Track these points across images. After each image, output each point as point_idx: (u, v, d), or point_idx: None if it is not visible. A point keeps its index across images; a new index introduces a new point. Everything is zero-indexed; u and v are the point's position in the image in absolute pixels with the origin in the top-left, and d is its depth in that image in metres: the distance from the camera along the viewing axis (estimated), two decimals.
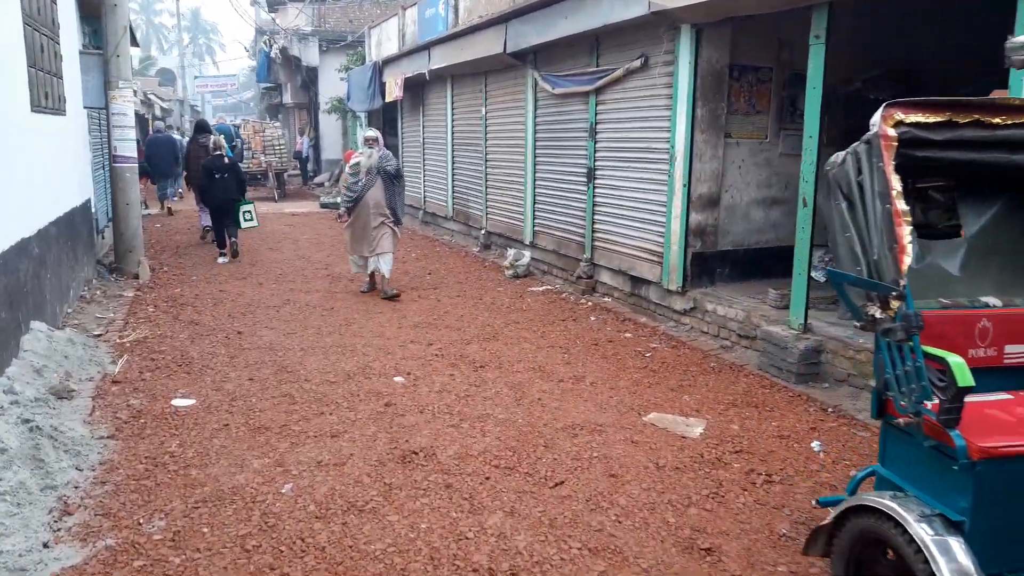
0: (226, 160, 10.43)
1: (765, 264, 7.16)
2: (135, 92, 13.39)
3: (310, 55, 21.89)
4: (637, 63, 7.38)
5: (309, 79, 22.73)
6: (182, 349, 6.19)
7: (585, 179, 8.50)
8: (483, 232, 11.57)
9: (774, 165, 7.22)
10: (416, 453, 4.22)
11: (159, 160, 15.53)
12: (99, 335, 6.44)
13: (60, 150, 7.22)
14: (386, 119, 17.97)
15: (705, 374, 5.72)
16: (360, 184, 7.97)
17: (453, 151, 12.85)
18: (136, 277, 8.90)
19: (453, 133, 12.81)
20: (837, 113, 6.80)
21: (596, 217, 8.37)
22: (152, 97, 35.17)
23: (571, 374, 5.70)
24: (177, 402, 4.97)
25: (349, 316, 7.45)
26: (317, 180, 23.07)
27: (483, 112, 11.38)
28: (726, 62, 6.75)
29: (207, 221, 11.31)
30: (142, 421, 4.65)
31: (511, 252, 9.83)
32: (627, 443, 4.40)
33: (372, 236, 8.02)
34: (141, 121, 32.83)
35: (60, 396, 4.80)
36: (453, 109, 12.76)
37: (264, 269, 9.93)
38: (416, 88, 14.25)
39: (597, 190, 8.32)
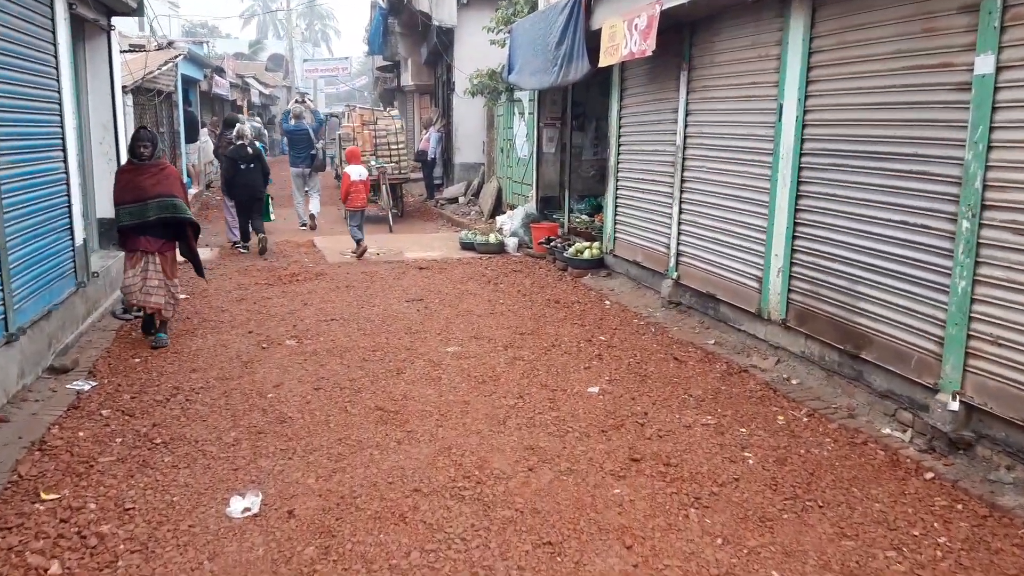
0: (250, 150, 10.08)
1: None
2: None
3: (444, 10, 14.98)
4: None
5: (441, 46, 15.83)
6: None
7: None
8: (949, 408, 4.09)
9: None
10: None
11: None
12: None
13: None
14: (573, 103, 10.71)
15: None
16: None
17: (799, 160, 5.44)
18: None
19: (803, 123, 5.38)
20: None
21: None
22: (251, 81, 29.73)
23: None
24: None
25: None
26: (448, 194, 16.14)
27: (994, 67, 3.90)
28: None
29: (235, 235, 10.62)
30: None
31: None
32: None
33: None
34: (241, 109, 27.23)
35: None
36: (809, 64, 5.33)
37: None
38: (666, 38, 6.90)
39: None
